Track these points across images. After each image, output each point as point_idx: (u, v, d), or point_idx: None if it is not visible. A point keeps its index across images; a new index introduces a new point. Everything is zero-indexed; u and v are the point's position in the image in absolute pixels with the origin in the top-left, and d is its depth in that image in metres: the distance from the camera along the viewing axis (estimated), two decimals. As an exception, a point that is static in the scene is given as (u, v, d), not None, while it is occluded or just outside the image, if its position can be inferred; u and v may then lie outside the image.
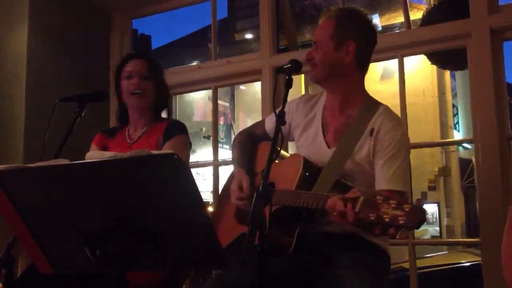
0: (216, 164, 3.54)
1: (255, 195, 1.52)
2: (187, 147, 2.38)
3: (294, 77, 1.83)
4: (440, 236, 12.43)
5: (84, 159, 1.36)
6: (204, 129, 14.78)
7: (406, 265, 3.32)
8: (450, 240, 12.12)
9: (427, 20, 3.81)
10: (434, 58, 4.34)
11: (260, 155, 2.15)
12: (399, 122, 1.95)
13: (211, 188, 3.55)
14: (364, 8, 2.07)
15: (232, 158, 2.20)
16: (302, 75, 7.43)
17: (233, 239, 1.98)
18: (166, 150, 2.25)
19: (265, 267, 1.47)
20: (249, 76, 3.50)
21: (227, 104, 15.34)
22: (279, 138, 1.68)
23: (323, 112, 2.03)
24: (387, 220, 1.38)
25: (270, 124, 2.16)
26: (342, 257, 1.81)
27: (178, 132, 2.36)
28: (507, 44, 2.80)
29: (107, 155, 1.33)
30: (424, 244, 7.23)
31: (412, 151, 3.00)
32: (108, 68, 3.67)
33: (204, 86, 3.77)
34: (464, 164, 13.47)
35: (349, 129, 1.93)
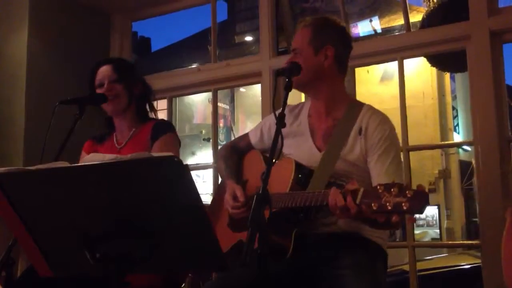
0: (216, 166, 3.54)
1: (254, 198, 1.52)
2: (176, 145, 2.35)
3: (294, 80, 1.83)
4: (440, 238, 12.41)
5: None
6: (204, 131, 14.78)
7: (406, 267, 3.32)
8: (450, 242, 12.13)
9: (427, 22, 3.82)
10: (434, 60, 4.35)
11: (248, 164, 2.18)
12: (385, 118, 1.98)
13: (211, 191, 3.55)
14: (338, 17, 2.17)
15: (219, 171, 2.25)
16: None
17: (231, 246, 1.99)
18: (154, 150, 2.23)
19: (265, 270, 1.47)
20: (249, 78, 3.50)
21: (227, 107, 15.35)
22: (279, 141, 1.68)
23: (309, 119, 2.07)
24: (389, 208, 1.38)
25: (255, 138, 2.21)
26: (341, 257, 1.81)
27: (165, 131, 2.34)
28: (507, 46, 2.81)
29: (108, 157, 1.33)
30: (424, 246, 7.23)
31: (412, 153, 3.03)
32: (108, 70, 3.66)
33: (204, 88, 3.77)
34: (464, 166, 13.46)
35: (336, 130, 1.96)
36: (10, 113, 3.29)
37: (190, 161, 13.36)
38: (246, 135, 2.28)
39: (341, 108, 2.01)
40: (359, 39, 7.05)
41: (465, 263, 4.94)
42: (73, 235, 1.37)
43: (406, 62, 3.04)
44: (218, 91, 3.67)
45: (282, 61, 3.08)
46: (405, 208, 1.36)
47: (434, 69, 10.56)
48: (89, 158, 1.39)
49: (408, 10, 3.11)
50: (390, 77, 11.13)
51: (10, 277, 1.75)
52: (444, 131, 13.18)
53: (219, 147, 2.67)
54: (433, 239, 12.31)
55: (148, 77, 3.89)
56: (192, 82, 3.65)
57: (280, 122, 1.70)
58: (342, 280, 1.75)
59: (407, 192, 1.37)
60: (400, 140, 2.92)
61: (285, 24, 3.71)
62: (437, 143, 12.04)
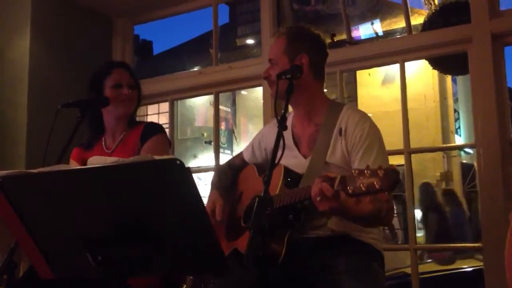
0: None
1: (256, 201, 1.53)
2: (166, 145, 2.36)
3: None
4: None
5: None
6: (205, 134, 14.78)
7: (408, 270, 3.31)
8: (452, 245, 12.09)
9: (428, 25, 3.81)
10: (436, 63, 4.33)
11: (244, 177, 2.23)
12: (365, 115, 1.99)
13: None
14: (313, 26, 2.14)
15: (211, 184, 2.27)
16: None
17: (228, 252, 2.00)
18: (144, 152, 2.25)
19: (265, 273, 1.47)
20: (251, 81, 3.50)
21: (229, 110, 15.35)
22: (280, 145, 1.69)
23: (293, 129, 2.08)
24: (364, 189, 1.41)
25: (247, 154, 2.27)
26: (337, 262, 1.82)
27: (155, 132, 2.35)
28: (508, 48, 2.81)
29: (109, 160, 1.33)
30: (426, 249, 7.21)
31: (414, 156, 3.03)
32: (110, 73, 3.67)
33: (206, 91, 3.77)
34: (466, 169, 13.43)
35: (320, 135, 1.97)
36: (13, 116, 3.30)
37: (191, 164, 13.36)
38: (241, 153, 2.34)
39: (321, 113, 2.02)
40: (361, 41, 7.05)
41: (467, 266, 4.93)
42: (74, 238, 1.37)
43: (408, 64, 3.04)
44: (220, 94, 3.68)
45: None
46: (377, 187, 1.39)
47: (435, 72, 10.56)
48: (91, 161, 1.39)
49: (410, 13, 3.12)
50: (392, 80, 11.13)
51: (12, 280, 1.75)
52: (446, 134, 13.16)
53: (221, 150, 2.68)
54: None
55: (150, 80, 3.90)
56: (193, 85, 3.66)
57: (282, 125, 1.72)
58: (339, 285, 1.76)
59: (378, 171, 1.40)
60: (402, 143, 2.93)
61: (286, 27, 3.71)
62: (439, 146, 12.05)
